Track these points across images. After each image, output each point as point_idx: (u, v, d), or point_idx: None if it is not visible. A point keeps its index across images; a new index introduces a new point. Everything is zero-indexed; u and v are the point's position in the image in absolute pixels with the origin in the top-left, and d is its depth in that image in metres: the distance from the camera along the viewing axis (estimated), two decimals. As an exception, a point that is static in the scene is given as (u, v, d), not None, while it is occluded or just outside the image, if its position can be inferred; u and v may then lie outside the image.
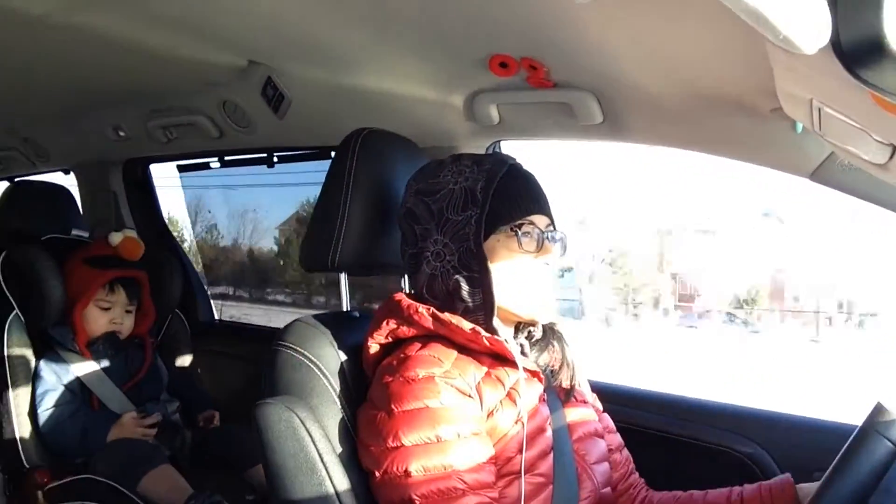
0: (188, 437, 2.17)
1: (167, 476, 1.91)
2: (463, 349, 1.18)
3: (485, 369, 1.17)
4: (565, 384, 1.27)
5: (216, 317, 2.92)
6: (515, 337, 1.26)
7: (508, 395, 1.16)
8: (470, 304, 1.19)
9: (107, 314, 2.12)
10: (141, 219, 2.86)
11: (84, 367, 2.05)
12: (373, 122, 1.44)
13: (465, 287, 1.19)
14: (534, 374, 1.21)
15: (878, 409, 1.02)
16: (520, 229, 1.20)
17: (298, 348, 1.24)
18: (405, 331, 1.20)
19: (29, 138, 2.74)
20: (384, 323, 1.22)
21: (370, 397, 1.18)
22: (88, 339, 2.08)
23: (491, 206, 1.20)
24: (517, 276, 1.20)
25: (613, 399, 1.44)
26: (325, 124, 1.95)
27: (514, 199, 1.22)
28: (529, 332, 1.28)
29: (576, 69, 1.44)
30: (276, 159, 2.38)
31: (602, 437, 1.31)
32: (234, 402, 2.40)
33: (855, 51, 0.53)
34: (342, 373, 1.25)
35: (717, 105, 1.35)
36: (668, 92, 1.38)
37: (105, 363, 2.09)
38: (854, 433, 1.03)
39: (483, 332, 1.15)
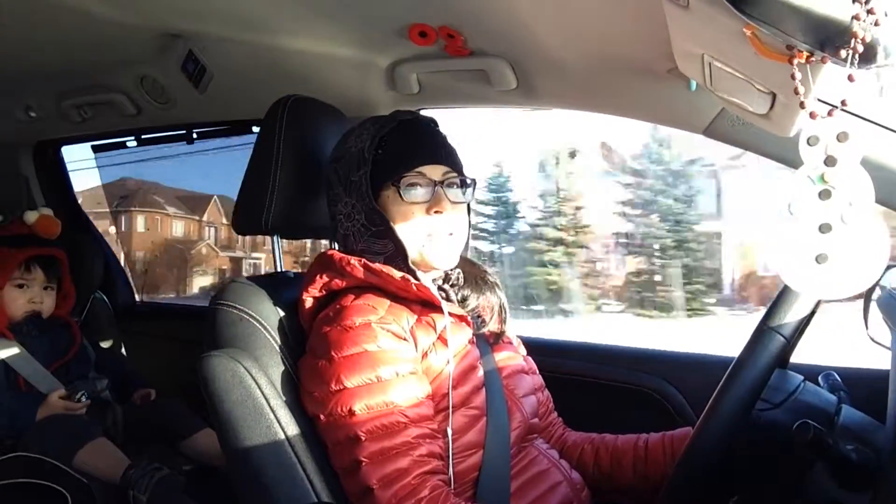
0: (119, 413, 2.16)
1: (104, 449, 1.91)
2: (394, 298, 1.26)
3: (416, 316, 1.25)
4: (493, 328, 1.37)
5: (137, 298, 2.90)
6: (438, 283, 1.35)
7: (440, 338, 1.24)
8: (386, 255, 1.27)
9: (25, 293, 2.09)
10: (54, 202, 2.76)
11: (8, 350, 2.02)
12: (295, 91, 1.47)
13: (375, 241, 1.27)
14: (461, 318, 1.30)
15: (773, 310, 1.12)
16: (401, 182, 1.26)
17: (237, 305, 1.28)
18: (338, 283, 1.27)
19: None
20: (317, 277, 1.29)
21: (310, 347, 1.24)
22: (10, 322, 2.05)
23: (375, 162, 1.27)
24: (411, 227, 1.27)
25: (534, 350, 1.53)
26: (246, 97, 1.97)
27: (396, 153, 1.28)
28: (447, 276, 1.36)
29: (490, 37, 1.53)
30: (195, 135, 2.39)
31: (528, 374, 1.42)
32: (162, 380, 2.40)
33: None
34: (281, 327, 1.29)
35: (618, 69, 1.46)
36: (573, 57, 1.48)
37: (30, 345, 2.06)
38: (750, 336, 1.13)
39: (412, 279, 1.23)
